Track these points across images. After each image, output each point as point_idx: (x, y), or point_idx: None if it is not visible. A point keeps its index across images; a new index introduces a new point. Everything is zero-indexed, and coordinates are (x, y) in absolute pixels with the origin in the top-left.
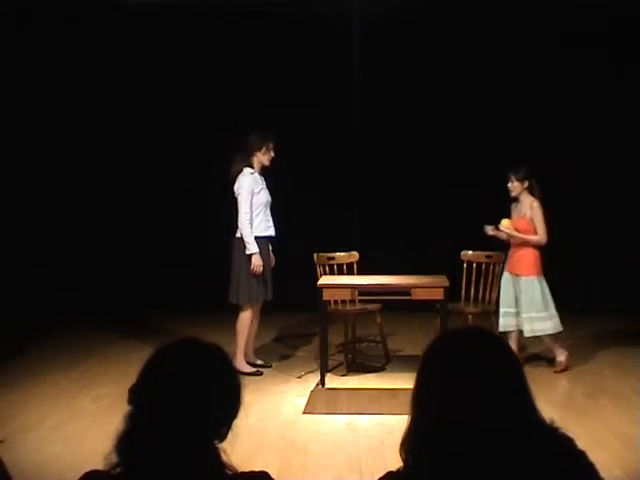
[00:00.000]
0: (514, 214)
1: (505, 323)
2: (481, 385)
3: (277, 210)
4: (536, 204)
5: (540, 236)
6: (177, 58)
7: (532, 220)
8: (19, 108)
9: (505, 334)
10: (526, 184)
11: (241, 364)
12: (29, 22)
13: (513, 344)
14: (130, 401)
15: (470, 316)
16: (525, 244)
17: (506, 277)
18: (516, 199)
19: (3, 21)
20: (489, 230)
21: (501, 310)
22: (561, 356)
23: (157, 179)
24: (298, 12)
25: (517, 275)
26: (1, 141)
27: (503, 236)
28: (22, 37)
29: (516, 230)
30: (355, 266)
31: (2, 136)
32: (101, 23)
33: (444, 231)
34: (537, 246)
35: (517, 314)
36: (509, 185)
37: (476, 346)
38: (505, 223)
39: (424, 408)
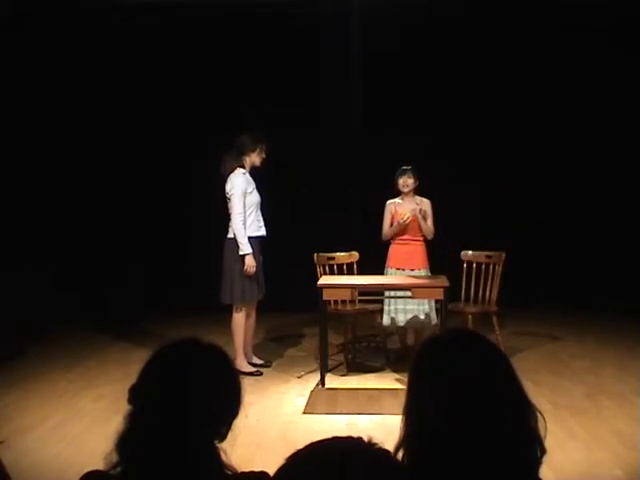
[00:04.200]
0: (402, 210)
1: (400, 319)
2: (472, 391)
3: (277, 210)
4: (427, 201)
5: (432, 228)
6: (177, 58)
7: (423, 216)
8: (19, 109)
9: (400, 329)
10: (417, 182)
11: (242, 364)
12: (29, 22)
13: (411, 337)
14: (130, 401)
15: (470, 316)
16: (416, 240)
17: (393, 274)
18: (398, 196)
19: (3, 21)
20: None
21: (390, 307)
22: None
23: (157, 179)
24: (297, 12)
25: (412, 269)
26: (1, 141)
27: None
28: (22, 37)
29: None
30: (355, 266)
31: (2, 136)
32: (101, 23)
33: (444, 231)
34: (426, 240)
35: (404, 310)
36: (404, 180)
37: (462, 350)
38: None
39: (417, 419)
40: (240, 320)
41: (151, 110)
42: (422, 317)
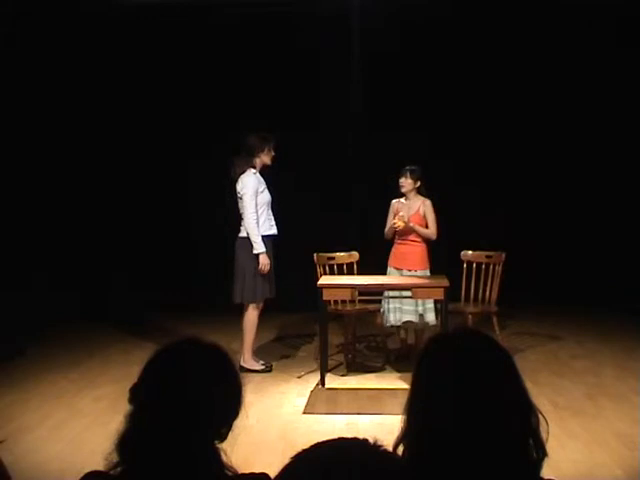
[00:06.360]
0: (402, 211)
1: (397, 318)
2: (474, 390)
3: (278, 210)
4: (429, 202)
5: (432, 230)
6: (177, 58)
7: (424, 216)
8: (19, 110)
9: (398, 328)
10: (418, 184)
11: (250, 362)
12: (29, 22)
13: (412, 337)
14: (131, 401)
15: (470, 316)
16: (415, 241)
17: (392, 273)
18: (403, 195)
19: (3, 21)
20: (397, 222)
21: (390, 306)
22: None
23: (157, 179)
24: (297, 12)
25: (409, 270)
26: (2, 141)
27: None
28: (22, 37)
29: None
30: (355, 266)
31: (2, 137)
32: (101, 23)
33: (444, 231)
34: (427, 241)
35: (400, 309)
36: (402, 180)
37: (467, 349)
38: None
39: (419, 418)
40: (253, 318)
41: (150, 110)
42: (418, 317)
